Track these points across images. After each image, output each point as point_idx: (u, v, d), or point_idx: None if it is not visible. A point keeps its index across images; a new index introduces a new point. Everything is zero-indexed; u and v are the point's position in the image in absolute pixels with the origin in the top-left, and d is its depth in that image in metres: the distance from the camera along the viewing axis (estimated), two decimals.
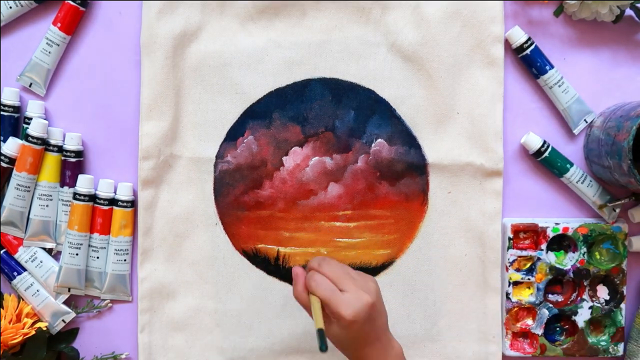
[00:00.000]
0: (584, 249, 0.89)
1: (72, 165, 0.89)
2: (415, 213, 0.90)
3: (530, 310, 0.90)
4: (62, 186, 0.89)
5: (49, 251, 0.91)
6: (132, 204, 0.90)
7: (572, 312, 0.90)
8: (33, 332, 0.85)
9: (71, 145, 0.89)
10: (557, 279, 0.90)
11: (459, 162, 0.89)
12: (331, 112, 0.90)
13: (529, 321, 0.90)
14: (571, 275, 0.89)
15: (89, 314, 0.92)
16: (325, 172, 0.90)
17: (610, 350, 0.90)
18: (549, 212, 0.91)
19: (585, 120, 0.90)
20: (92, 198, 0.89)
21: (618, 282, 0.89)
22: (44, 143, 0.88)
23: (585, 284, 0.89)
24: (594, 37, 0.90)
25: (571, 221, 0.90)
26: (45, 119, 0.89)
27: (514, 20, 0.90)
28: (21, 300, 0.89)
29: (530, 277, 0.89)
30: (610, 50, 0.90)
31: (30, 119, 0.88)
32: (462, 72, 0.89)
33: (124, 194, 0.89)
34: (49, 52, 0.88)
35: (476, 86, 0.89)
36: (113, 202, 0.89)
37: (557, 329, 0.92)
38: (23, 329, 0.85)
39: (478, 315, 0.90)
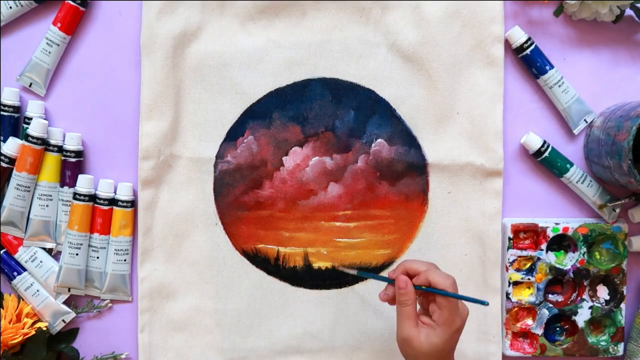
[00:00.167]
0: (584, 249, 0.89)
1: (72, 165, 0.89)
2: (415, 213, 0.90)
3: (530, 310, 0.90)
4: (62, 186, 0.89)
5: (49, 251, 0.91)
6: (132, 204, 0.90)
7: (572, 312, 0.90)
8: (33, 332, 0.85)
9: (71, 145, 0.89)
10: (557, 279, 0.90)
11: (459, 162, 0.89)
12: (331, 112, 0.90)
13: (529, 321, 0.90)
14: (571, 275, 0.89)
15: (89, 314, 0.92)
16: (325, 172, 0.90)
17: (610, 350, 0.90)
18: (549, 212, 0.91)
19: (585, 120, 0.90)
20: (92, 198, 0.89)
21: (618, 282, 0.89)
22: (44, 143, 0.88)
23: (585, 284, 0.89)
24: (594, 37, 0.90)
25: (571, 221, 0.90)
26: (45, 119, 0.89)
27: (514, 20, 0.90)
28: (21, 300, 0.89)
29: (530, 277, 0.89)
30: (610, 50, 0.90)
31: (30, 119, 0.88)
32: (462, 72, 0.89)
33: (124, 194, 0.89)
34: (49, 52, 0.89)
35: (476, 86, 0.89)
36: (113, 202, 0.89)
37: (557, 329, 0.92)
38: (23, 329, 0.85)
39: (478, 315, 0.90)
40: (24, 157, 0.87)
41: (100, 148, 0.91)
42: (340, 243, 0.90)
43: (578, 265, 0.89)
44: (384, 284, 0.80)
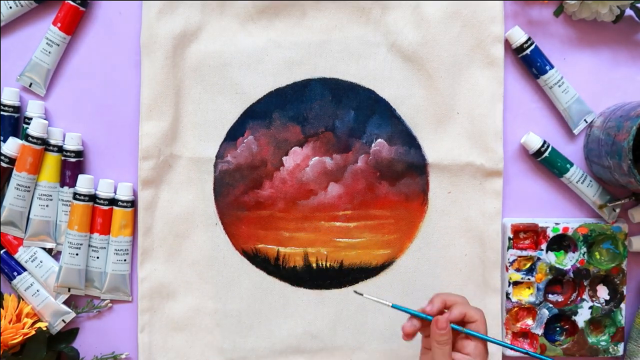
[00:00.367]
0: (584, 249, 0.89)
1: (72, 165, 0.89)
2: (415, 213, 0.90)
3: (530, 310, 0.90)
4: (62, 186, 0.89)
5: (49, 251, 0.91)
6: (132, 204, 0.90)
7: (572, 312, 0.90)
8: (33, 332, 0.85)
9: (71, 145, 0.89)
10: (557, 279, 0.90)
11: (459, 162, 0.89)
12: (331, 112, 0.90)
13: (529, 321, 0.90)
14: (571, 275, 0.89)
15: (89, 314, 0.92)
16: (325, 172, 0.90)
17: (610, 350, 0.90)
18: (549, 212, 0.91)
19: (585, 120, 0.90)
20: (92, 198, 0.89)
21: (618, 282, 0.89)
22: (44, 143, 0.88)
23: (585, 284, 0.89)
24: (594, 37, 0.90)
25: (571, 221, 0.90)
26: (45, 119, 0.89)
27: (514, 20, 0.90)
28: (21, 300, 0.89)
29: (530, 277, 0.89)
30: (610, 50, 0.90)
31: (30, 119, 0.88)
32: (462, 72, 0.89)
33: (124, 194, 0.89)
34: (49, 52, 0.89)
35: (476, 86, 0.89)
36: (113, 202, 0.89)
37: (557, 329, 0.92)
38: (23, 329, 0.85)
39: None
40: (24, 157, 0.87)
41: (100, 148, 0.91)
42: (340, 243, 0.90)
43: (578, 265, 0.89)
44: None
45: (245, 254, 0.90)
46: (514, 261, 0.89)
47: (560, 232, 0.89)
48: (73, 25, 0.89)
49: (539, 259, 0.89)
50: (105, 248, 0.90)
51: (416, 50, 0.88)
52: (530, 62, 0.88)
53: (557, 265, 0.89)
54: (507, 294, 0.90)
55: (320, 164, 0.90)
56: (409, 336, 0.77)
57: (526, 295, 0.90)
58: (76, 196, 0.88)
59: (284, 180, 0.90)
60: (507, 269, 0.89)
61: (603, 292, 0.91)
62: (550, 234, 0.89)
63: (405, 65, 0.89)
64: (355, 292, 0.80)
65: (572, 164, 0.89)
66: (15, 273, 0.89)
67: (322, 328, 0.91)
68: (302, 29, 0.89)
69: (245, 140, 0.90)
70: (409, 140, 0.90)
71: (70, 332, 0.91)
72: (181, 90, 0.89)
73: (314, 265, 0.90)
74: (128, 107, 0.90)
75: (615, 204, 0.89)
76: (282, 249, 0.90)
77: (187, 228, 0.90)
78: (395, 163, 0.90)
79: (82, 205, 0.88)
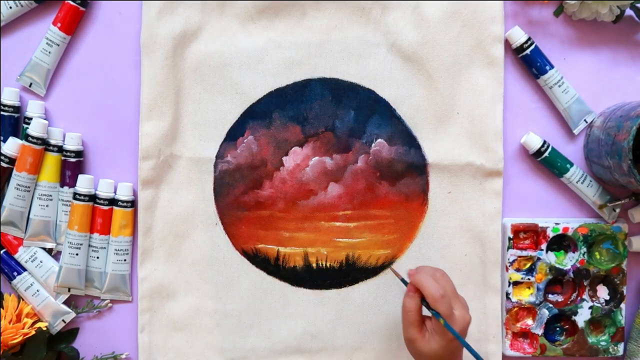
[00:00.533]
0: (584, 249, 0.89)
1: (72, 165, 0.89)
2: (415, 213, 0.90)
3: (530, 310, 0.90)
4: (62, 186, 0.89)
5: (49, 251, 0.91)
6: (132, 204, 0.90)
7: (572, 312, 0.90)
8: (33, 332, 0.85)
9: (71, 145, 0.89)
10: (557, 279, 0.90)
11: (459, 162, 0.89)
12: (331, 112, 0.90)
13: (529, 321, 0.90)
14: (571, 275, 0.89)
15: (89, 314, 0.92)
16: (325, 172, 0.90)
17: (610, 350, 0.90)
18: (549, 212, 0.91)
19: (585, 120, 0.90)
20: (92, 198, 0.89)
21: (618, 282, 0.89)
22: (44, 143, 0.88)
23: (585, 284, 0.89)
24: (594, 37, 0.90)
25: (571, 221, 0.90)
26: (45, 119, 0.89)
27: (514, 20, 0.90)
28: (21, 300, 0.89)
29: (530, 277, 0.89)
30: (610, 50, 0.90)
31: (31, 119, 0.88)
32: (462, 72, 0.89)
33: (124, 194, 0.89)
34: (49, 52, 0.89)
35: (476, 86, 0.89)
36: (113, 202, 0.89)
37: (557, 329, 0.92)
38: (23, 329, 0.85)
39: (478, 315, 0.90)
40: (24, 157, 0.87)
41: (100, 148, 0.91)
42: (340, 243, 0.90)
43: (578, 265, 0.89)
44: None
45: (245, 254, 0.90)
46: (514, 261, 0.89)
47: (560, 232, 0.89)
48: (73, 25, 0.89)
49: (539, 259, 0.89)
50: (105, 248, 0.90)
51: (416, 50, 0.88)
52: (530, 62, 0.88)
53: (557, 265, 0.89)
54: (507, 294, 0.90)
55: (320, 164, 0.90)
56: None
57: (526, 295, 0.90)
58: (76, 196, 0.88)
59: (284, 180, 0.90)
60: (507, 269, 0.89)
61: (603, 292, 0.91)
62: (550, 234, 0.89)
63: (405, 65, 0.89)
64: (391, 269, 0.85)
65: (572, 164, 0.89)
66: (15, 273, 0.89)
67: (322, 328, 0.91)
68: (302, 29, 0.89)
69: (245, 140, 0.90)
70: (409, 140, 0.90)
71: (70, 332, 0.91)
72: (181, 90, 0.89)
73: (314, 265, 0.90)
74: (128, 107, 0.90)
75: (615, 204, 0.89)
76: (282, 249, 0.90)
77: (187, 228, 0.90)
78: (395, 163, 0.90)
79: (82, 205, 0.88)
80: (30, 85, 0.90)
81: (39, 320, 0.89)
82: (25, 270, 0.90)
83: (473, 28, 0.88)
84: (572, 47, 0.90)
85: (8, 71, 0.90)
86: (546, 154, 0.88)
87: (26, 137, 0.87)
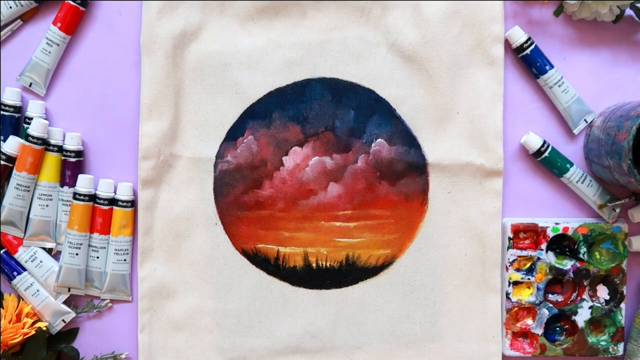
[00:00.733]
0: (584, 249, 0.89)
1: (72, 165, 0.89)
2: (415, 213, 0.90)
3: (530, 310, 0.90)
4: (62, 186, 0.89)
5: (49, 251, 0.91)
6: (132, 203, 0.90)
7: (572, 312, 0.90)
8: (33, 332, 0.85)
9: (71, 145, 0.89)
10: (557, 279, 0.90)
11: (459, 162, 0.89)
12: (331, 112, 0.90)
13: (529, 321, 0.90)
14: (571, 275, 0.89)
15: (89, 314, 0.92)
16: (325, 172, 0.90)
17: (610, 350, 0.90)
18: (549, 212, 0.91)
19: (585, 120, 0.90)
20: (92, 198, 0.89)
21: (618, 282, 0.89)
22: (44, 143, 0.88)
23: (585, 284, 0.89)
24: (594, 37, 0.90)
25: (571, 221, 0.90)
26: (45, 119, 0.89)
27: (514, 20, 0.90)
28: (21, 300, 0.89)
29: (530, 277, 0.89)
30: (610, 50, 0.90)
31: (31, 118, 0.88)
32: (462, 72, 0.89)
33: (124, 194, 0.89)
34: (49, 52, 0.89)
35: (476, 86, 0.89)
36: (113, 202, 0.89)
37: (557, 328, 0.92)
38: (23, 328, 0.85)
39: (478, 315, 0.90)
40: (24, 157, 0.87)
41: (100, 148, 0.91)
42: (340, 243, 0.90)
43: (578, 265, 0.89)
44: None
45: (245, 253, 0.90)
46: (514, 261, 0.89)
47: (560, 232, 0.89)
48: (73, 25, 0.89)
49: (538, 258, 0.89)
50: (105, 248, 0.90)
51: (416, 50, 0.88)
52: (530, 62, 0.88)
53: (557, 265, 0.89)
54: (507, 294, 0.90)
55: (320, 164, 0.90)
56: None
57: (526, 295, 0.90)
58: (76, 196, 0.88)
59: (284, 180, 0.90)
60: (507, 269, 0.89)
61: (603, 292, 0.91)
62: (550, 233, 0.89)
63: (405, 65, 0.89)
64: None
65: (572, 164, 0.89)
66: (15, 273, 0.89)
67: (322, 328, 0.91)
68: (302, 29, 0.89)
69: (245, 140, 0.90)
70: (409, 140, 0.90)
71: (70, 332, 0.91)
72: (181, 90, 0.89)
73: (314, 265, 0.90)
74: (128, 107, 0.90)
75: (615, 204, 0.89)
76: (282, 249, 0.90)
77: (187, 228, 0.90)
78: (395, 163, 0.90)
79: (82, 205, 0.88)
80: (30, 85, 0.90)
81: (39, 320, 0.89)
82: (25, 270, 0.90)
83: (473, 28, 0.88)
84: (572, 47, 0.90)
85: (8, 71, 0.90)
86: (546, 153, 0.88)
87: (26, 137, 0.87)
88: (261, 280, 0.91)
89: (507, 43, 0.89)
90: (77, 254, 0.88)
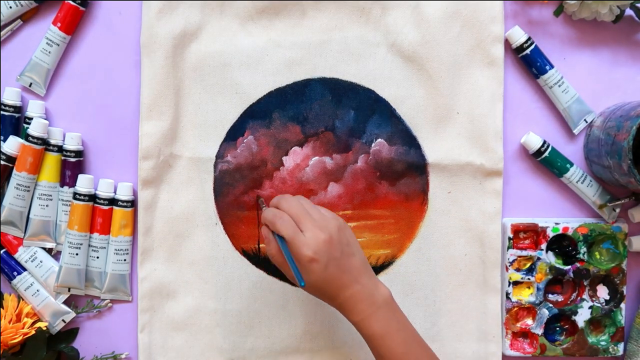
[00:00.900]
0: (584, 249, 0.89)
1: (72, 165, 0.89)
2: (415, 213, 0.90)
3: (530, 310, 0.90)
4: (62, 186, 0.89)
5: (49, 251, 0.91)
6: (132, 203, 0.90)
7: (572, 312, 0.90)
8: (33, 332, 0.85)
9: (71, 145, 0.89)
10: (557, 279, 0.90)
11: (459, 162, 0.89)
12: (331, 112, 0.90)
13: (529, 321, 0.90)
14: (571, 275, 0.89)
15: (89, 314, 0.92)
16: (325, 172, 0.90)
17: (610, 350, 0.90)
18: (549, 212, 0.91)
19: (585, 120, 0.90)
20: (92, 198, 0.89)
21: (618, 282, 0.89)
22: (44, 143, 0.88)
23: (585, 284, 0.89)
24: (594, 37, 0.90)
25: (571, 221, 0.90)
26: (45, 119, 0.89)
27: (514, 20, 0.90)
28: (21, 300, 0.89)
29: (530, 277, 0.89)
30: (610, 50, 0.90)
31: (31, 119, 0.88)
32: (462, 72, 0.89)
33: (124, 194, 0.89)
34: (49, 52, 0.89)
35: (476, 86, 0.89)
36: (113, 202, 0.89)
37: (557, 328, 0.92)
38: (23, 328, 0.85)
39: (478, 315, 0.90)
40: (24, 157, 0.87)
41: (100, 148, 0.91)
42: None
43: (578, 265, 0.89)
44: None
45: (245, 253, 0.90)
46: (514, 261, 0.89)
47: (560, 232, 0.89)
48: (73, 25, 0.89)
49: (538, 258, 0.89)
50: (105, 248, 0.90)
51: (416, 50, 0.88)
52: (530, 62, 0.88)
53: (557, 265, 0.89)
54: (507, 294, 0.90)
55: (320, 164, 0.90)
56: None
57: (526, 295, 0.90)
58: (76, 196, 0.88)
59: (284, 180, 0.90)
60: (507, 269, 0.89)
61: (603, 292, 0.91)
62: (550, 233, 0.89)
63: (405, 65, 0.89)
64: None
65: (572, 164, 0.89)
66: (15, 273, 0.89)
67: (322, 328, 0.91)
68: (302, 29, 0.89)
69: (245, 140, 0.90)
70: (409, 140, 0.90)
71: (70, 332, 0.91)
72: (181, 90, 0.89)
73: None
74: (128, 107, 0.90)
75: (615, 204, 0.89)
76: None
77: (187, 228, 0.90)
78: (395, 163, 0.90)
79: (82, 205, 0.88)
80: (30, 85, 0.90)
81: (39, 320, 0.89)
82: (25, 270, 0.90)
83: (473, 28, 0.88)
84: (572, 47, 0.90)
85: (8, 71, 0.90)
86: (546, 153, 0.88)
87: (26, 137, 0.87)
88: (261, 280, 0.91)
89: (507, 43, 0.89)
90: (77, 254, 0.88)
